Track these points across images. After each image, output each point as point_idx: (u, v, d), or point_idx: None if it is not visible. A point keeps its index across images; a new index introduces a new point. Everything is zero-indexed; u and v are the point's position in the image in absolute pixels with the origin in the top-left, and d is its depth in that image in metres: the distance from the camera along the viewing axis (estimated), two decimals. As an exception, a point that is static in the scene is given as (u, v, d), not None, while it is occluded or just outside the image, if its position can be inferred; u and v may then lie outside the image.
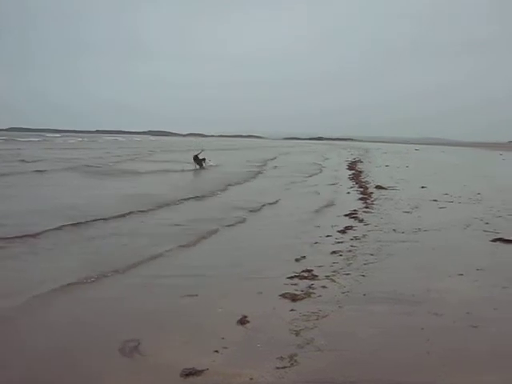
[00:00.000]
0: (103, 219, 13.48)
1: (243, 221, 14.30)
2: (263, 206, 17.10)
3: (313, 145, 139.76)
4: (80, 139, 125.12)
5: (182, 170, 33.39)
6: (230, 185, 23.99)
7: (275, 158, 53.53)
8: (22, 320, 6.71)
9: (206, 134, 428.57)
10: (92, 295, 7.76)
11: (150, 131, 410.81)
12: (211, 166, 35.16)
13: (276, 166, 39.15)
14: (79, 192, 20.59)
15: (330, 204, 17.42)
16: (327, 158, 55.00)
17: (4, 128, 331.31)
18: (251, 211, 15.86)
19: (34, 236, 11.29)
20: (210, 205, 17.51)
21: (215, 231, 12.64)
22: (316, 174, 32.04)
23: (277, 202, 18.26)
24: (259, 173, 32.78)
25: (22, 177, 25.82)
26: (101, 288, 8.12)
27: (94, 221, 13.15)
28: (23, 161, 36.46)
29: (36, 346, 5.95)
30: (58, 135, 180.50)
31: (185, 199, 18.14)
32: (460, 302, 7.25)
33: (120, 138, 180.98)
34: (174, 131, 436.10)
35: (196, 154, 36.30)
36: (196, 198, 18.84)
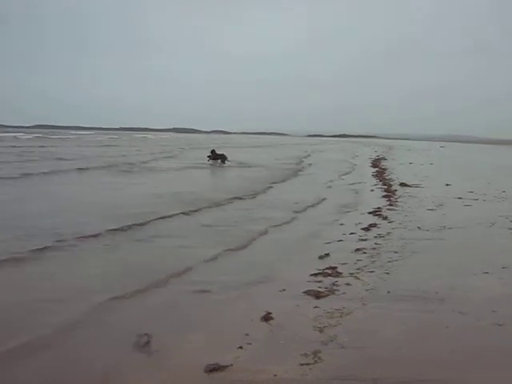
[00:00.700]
0: (156, 219, 13.51)
1: (290, 221, 14.11)
2: (309, 206, 16.75)
3: (338, 142, 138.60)
4: (108, 136, 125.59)
5: (220, 165, 34.40)
6: (274, 182, 24.24)
7: (309, 155, 53.63)
8: (84, 329, 6.55)
9: (230, 131, 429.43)
10: (145, 302, 7.56)
11: (174, 128, 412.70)
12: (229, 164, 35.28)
13: (311, 164, 39.08)
14: (126, 191, 20.72)
15: (361, 202, 17.27)
16: (356, 156, 54.67)
17: (29, 125, 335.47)
18: (296, 212, 15.52)
19: (93, 236, 11.33)
20: (257, 204, 17.29)
21: (264, 232, 12.44)
22: (350, 172, 31.58)
23: (322, 201, 18.10)
24: (299, 170, 32.90)
25: (66, 175, 25.95)
26: (154, 295, 7.86)
27: (149, 221, 13.15)
28: (61, 159, 36.29)
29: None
30: (85, 132, 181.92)
31: (233, 198, 18.01)
32: (485, 300, 7.21)
33: (148, 135, 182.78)
34: (197, 128, 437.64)
35: (217, 152, 36.50)
36: (244, 196, 18.69)
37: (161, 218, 13.80)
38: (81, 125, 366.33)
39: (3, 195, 18.35)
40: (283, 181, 25.71)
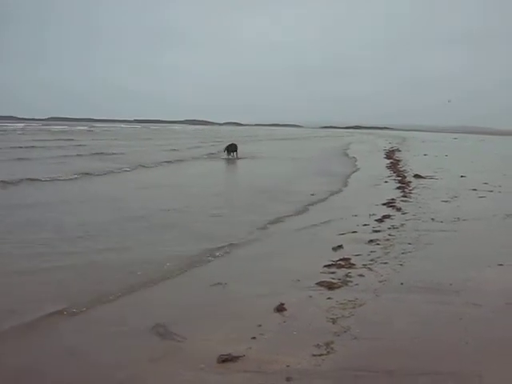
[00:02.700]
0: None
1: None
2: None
3: (354, 134, 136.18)
4: (138, 127, 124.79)
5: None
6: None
7: (348, 148, 53.88)
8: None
9: (243, 122, 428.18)
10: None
11: (186, 120, 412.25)
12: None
13: (355, 158, 38.53)
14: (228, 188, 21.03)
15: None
16: (383, 149, 53.90)
17: (43, 118, 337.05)
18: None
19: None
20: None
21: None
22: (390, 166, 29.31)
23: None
24: (355, 161, 34.09)
25: (136, 173, 25.24)
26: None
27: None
28: (102, 153, 35.02)
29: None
30: (106, 125, 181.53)
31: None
32: (499, 292, 7.15)
33: (175, 127, 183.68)
34: (210, 120, 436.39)
35: (229, 144, 36.32)
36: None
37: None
38: (93, 117, 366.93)
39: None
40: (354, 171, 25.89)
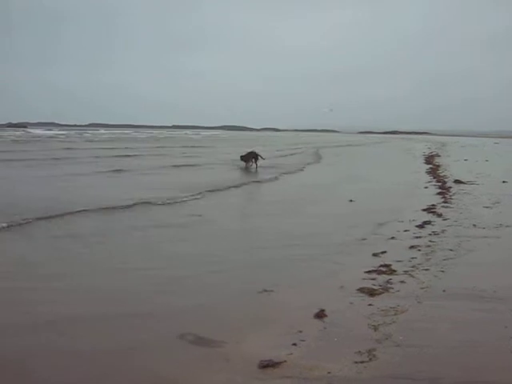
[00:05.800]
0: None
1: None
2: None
3: (395, 139, 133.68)
4: (197, 134, 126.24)
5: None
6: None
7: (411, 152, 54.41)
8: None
9: (280, 128, 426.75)
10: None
11: (224, 126, 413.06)
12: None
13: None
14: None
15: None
16: (424, 154, 53.21)
17: (84, 124, 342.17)
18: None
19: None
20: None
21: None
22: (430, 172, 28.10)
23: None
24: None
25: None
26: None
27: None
28: (196, 165, 31.76)
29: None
30: (154, 131, 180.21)
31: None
32: (546, 300, 7.01)
33: (219, 132, 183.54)
34: (247, 126, 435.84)
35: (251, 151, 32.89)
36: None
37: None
38: (132, 123, 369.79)
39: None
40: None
